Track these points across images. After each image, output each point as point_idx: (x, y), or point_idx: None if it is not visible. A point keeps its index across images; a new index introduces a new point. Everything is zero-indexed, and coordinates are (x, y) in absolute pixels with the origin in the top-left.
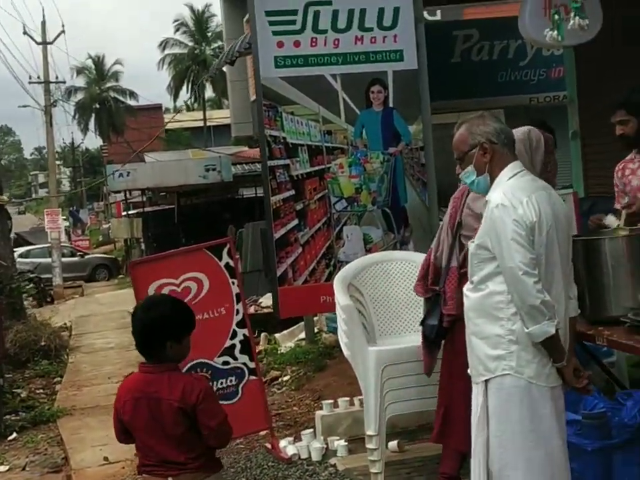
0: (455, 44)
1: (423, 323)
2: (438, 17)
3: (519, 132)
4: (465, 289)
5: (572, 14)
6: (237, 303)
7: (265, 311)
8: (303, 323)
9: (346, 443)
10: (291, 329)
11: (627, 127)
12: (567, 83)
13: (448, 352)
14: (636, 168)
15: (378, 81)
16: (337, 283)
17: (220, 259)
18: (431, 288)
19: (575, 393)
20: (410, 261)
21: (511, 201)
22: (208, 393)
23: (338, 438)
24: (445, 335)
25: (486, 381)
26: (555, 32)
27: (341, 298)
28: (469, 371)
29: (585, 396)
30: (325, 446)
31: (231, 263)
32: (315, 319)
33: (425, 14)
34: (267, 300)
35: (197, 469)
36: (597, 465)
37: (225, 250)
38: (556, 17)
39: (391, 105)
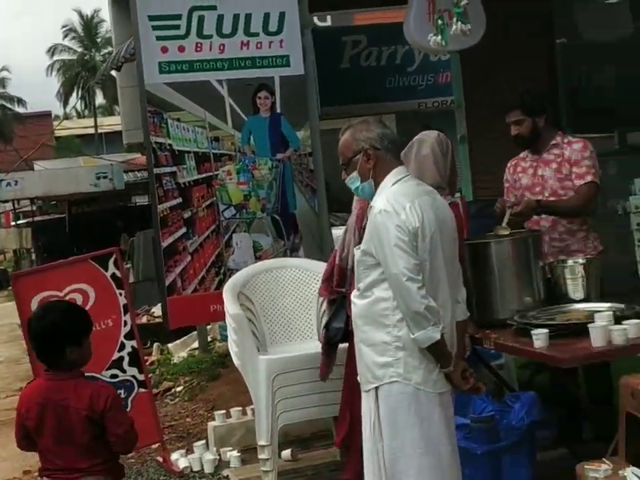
0: (344, 50)
1: (327, 326)
2: (329, 22)
3: (431, 136)
4: (352, 296)
5: (454, 19)
6: (125, 314)
7: (158, 320)
8: (196, 332)
9: (239, 454)
10: (183, 338)
11: (521, 126)
12: (453, 88)
13: (351, 355)
14: (527, 167)
15: (265, 87)
16: (227, 291)
17: (106, 270)
18: (337, 290)
19: (463, 396)
20: (300, 268)
21: (394, 206)
22: (115, 401)
23: (231, 449)
24: (348, 338)
25: (376, 389)
26: (439, 37)
27: (231, 306)
28: (358, 378)
29: (476, 398)
30: (218, 457)
31: (118, 274)
32: (208, 327)
33: (316, 20)
34: (159, 309)
35: (98, 473)
36: (486, 467)
37: (111, 260)
38: (439, 22)
39: (278, 110)
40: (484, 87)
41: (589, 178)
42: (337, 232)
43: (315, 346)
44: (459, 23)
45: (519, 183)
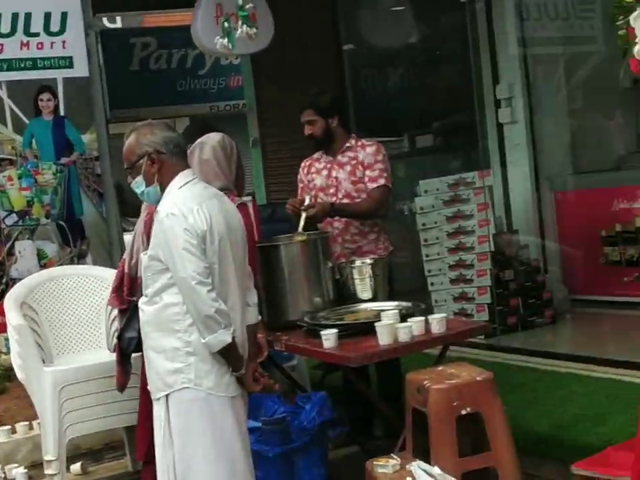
0: (133, 52)
1: (120, 336)
2: (119, 24)
3: (214, 139)
4: (140, 303)
5: (240, 22)
6: None
7: None
8: None
9: (25, 470)
10: None
11: (314, 127)
12: (244, 91)
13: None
14: (321, 168)
15: (47, 89)
16: (8, 302)
17: None
18: (128, 299)
19: (255, 399)
20: (88, 276)
21: (181, 209)
22: None
23: (17, 465)
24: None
25: (166, 396)
26: (226, 40)
27: (12, 317)
28: (148, 387)
29: (268, 400)
30: (3, 475)
31: None
32: None
33: (105, 21)
34: None
35: None
36: (278, 470)
37: None
38: (225, 24)
39: (62, 113)
40: (276, 90)
41: (381, 181)
42: (130, 238)
43: (105, 355)
44: (245, 26)
45: (313, 183)
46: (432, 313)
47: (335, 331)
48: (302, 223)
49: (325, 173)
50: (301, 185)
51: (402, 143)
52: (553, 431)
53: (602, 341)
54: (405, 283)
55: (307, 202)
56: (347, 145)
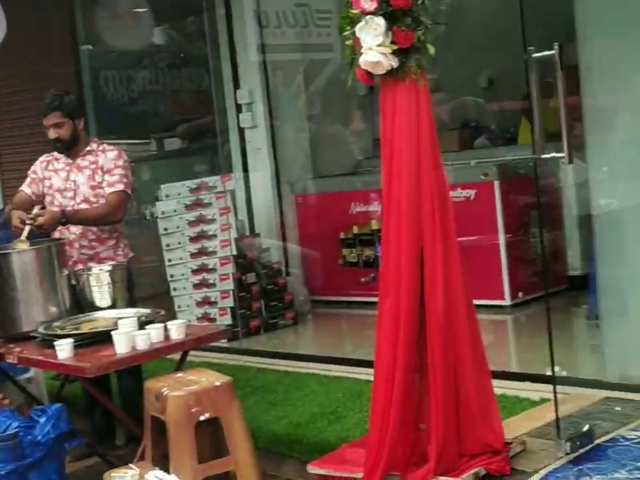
0: None
1: None
2: None
3: None
4: None
5: None
6: None
7: None
8: None
9: None
10: None
11: (62, 129)
12: None
13: None
14: (60, 169)
15: None
16: None
17: None
18: None
19: None
20: None
21: None
22: None
23: None
24: None
25: None
26: None
27: None
28: None
29: (2, 414)
30: None
31: None
32: None
33: None
34: None
35: None
36: None
37: None
38: None
39: None
40: (10, 90)
41: (119, 187)
42: None
43: None
44: None
45: (50, 182)
46: (174, 318)
47: (69, 340)
48: (26, 231)
49: (63, 174)
50: (33, 176)
51: (149, 146)
52: (293, 431)
53: (340, 341)
54: (147, 288)
55: (35, 211)
56: (88, 148)
